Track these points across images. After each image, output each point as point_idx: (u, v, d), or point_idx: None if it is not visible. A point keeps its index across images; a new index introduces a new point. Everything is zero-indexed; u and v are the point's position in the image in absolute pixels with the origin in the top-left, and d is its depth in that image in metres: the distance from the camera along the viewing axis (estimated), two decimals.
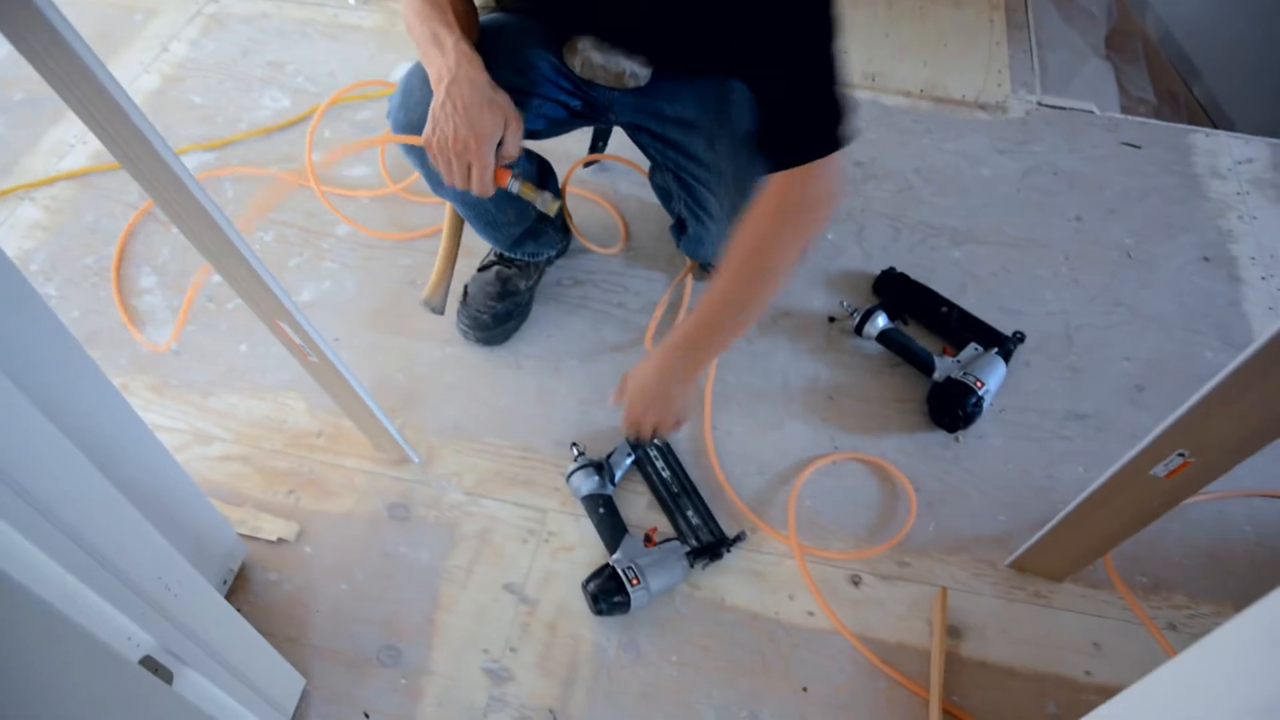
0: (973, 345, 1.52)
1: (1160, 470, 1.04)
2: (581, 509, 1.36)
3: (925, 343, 1.54)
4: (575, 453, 1.38)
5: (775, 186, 1.08)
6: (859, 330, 1.54)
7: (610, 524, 1.31)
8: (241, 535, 1.33)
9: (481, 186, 1.13)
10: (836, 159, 1.07)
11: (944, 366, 1.49)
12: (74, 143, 1.90)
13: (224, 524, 1.27)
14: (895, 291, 1.62)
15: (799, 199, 1.09)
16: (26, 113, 1.95)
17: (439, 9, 1.13)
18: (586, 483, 1.35)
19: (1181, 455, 1.01)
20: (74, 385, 0.96)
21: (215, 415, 1.48)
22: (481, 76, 1.10)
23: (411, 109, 1.21)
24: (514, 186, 1.23)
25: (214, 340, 1.58)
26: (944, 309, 1.58)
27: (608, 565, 1.27)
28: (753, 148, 1.10)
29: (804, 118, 1.07)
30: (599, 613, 1.25)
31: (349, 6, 2.23)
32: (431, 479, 1.41)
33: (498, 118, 1.10)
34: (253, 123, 1.95)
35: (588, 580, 1.27)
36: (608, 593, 1.24)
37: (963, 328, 1.56)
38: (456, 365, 1.55)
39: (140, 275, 1.67)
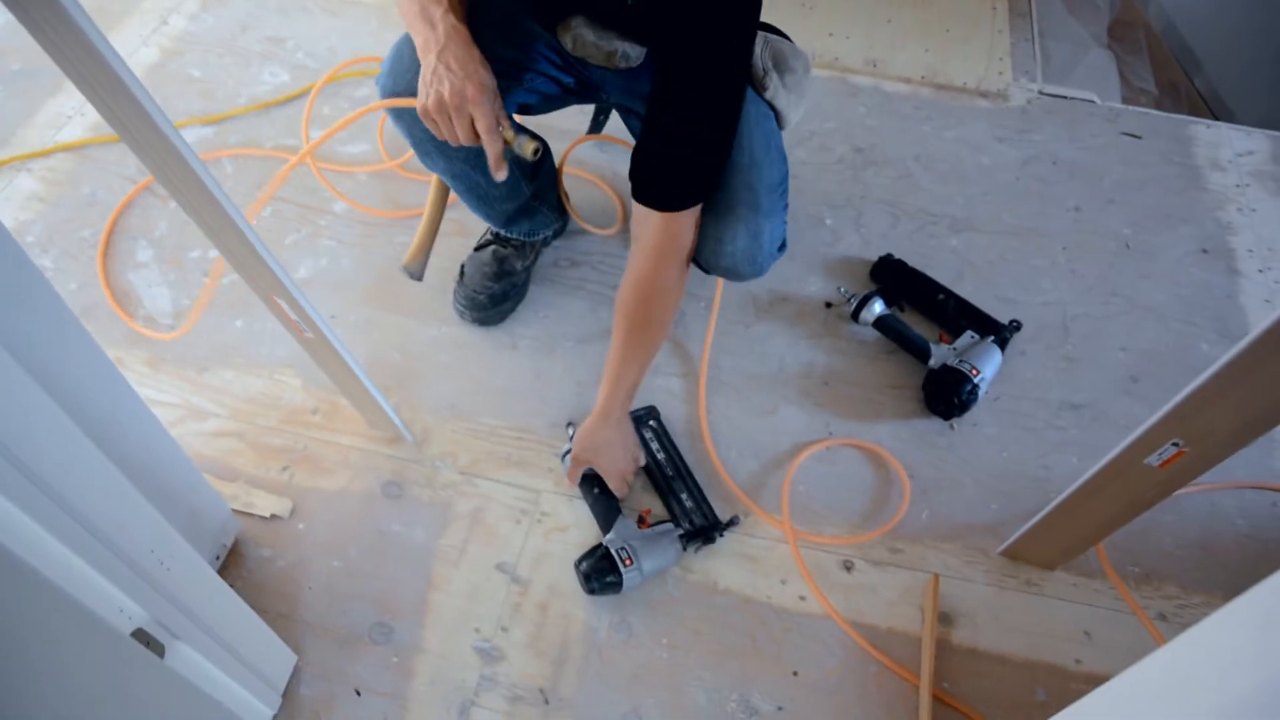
0: (969, 333, 1.52)
1: (1154, 460, 1.05)
2: (576, 490, 1.37)
3: (922, 330, 1.54)
4: (570, 433, 1.38)
5: (656, 230, 1.18)
6: (855, 316, 1.54)
7: (604, 505, 1.32)
8: (235, 511, 1.33)
9: (489, 136, 1.10)
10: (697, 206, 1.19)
11: (940, 354, 1.49)
12: (72, 114, 1.88)
13: (218, 499, 1.27)
14: (892, 278, 1.61)
15: (680, 240, 1.20)
16: (25, 83, 1.94)
17: None
18: None
19: (1176, 445, 1.02)
20: (70, 359, 0.95)
21: (210, 391, 1.48)
22: (473, 50, 1.09)
23: (399, 76, 1.20)
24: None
25: (210, 315, 1.57)
26: (941, 296, 1.58)
27: (601, 545, 1.27)
28: (635, 183, 1.18)
29: (694, 163, 1.15)
30: (591, 592, 1.26)
31: None
32: (426, 458, 1.41)
33: (491, 75, 1.10)
34: (252, 97, 1.93)
35: (580, 559, 1.27)
36: (600, 572, 1.24)
37: (959, 315, 1.56)
38: (452, 345, 1.54)
39: (137, 249, 1.67)
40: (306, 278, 1.62)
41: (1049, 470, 1.44)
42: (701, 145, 1.14)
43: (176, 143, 0.85)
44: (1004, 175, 1.87)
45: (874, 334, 1.56)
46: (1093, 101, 2.05)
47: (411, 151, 1.50)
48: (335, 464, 1.40)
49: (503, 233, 1.53)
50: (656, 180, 1.16)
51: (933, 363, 1.48)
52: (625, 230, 1.71)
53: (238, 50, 2.04)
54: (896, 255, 1.65)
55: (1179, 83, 2.85)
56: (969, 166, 1.88)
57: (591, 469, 1.34)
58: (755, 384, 1.52)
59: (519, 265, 1.54)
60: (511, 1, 1.26)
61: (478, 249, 1.56)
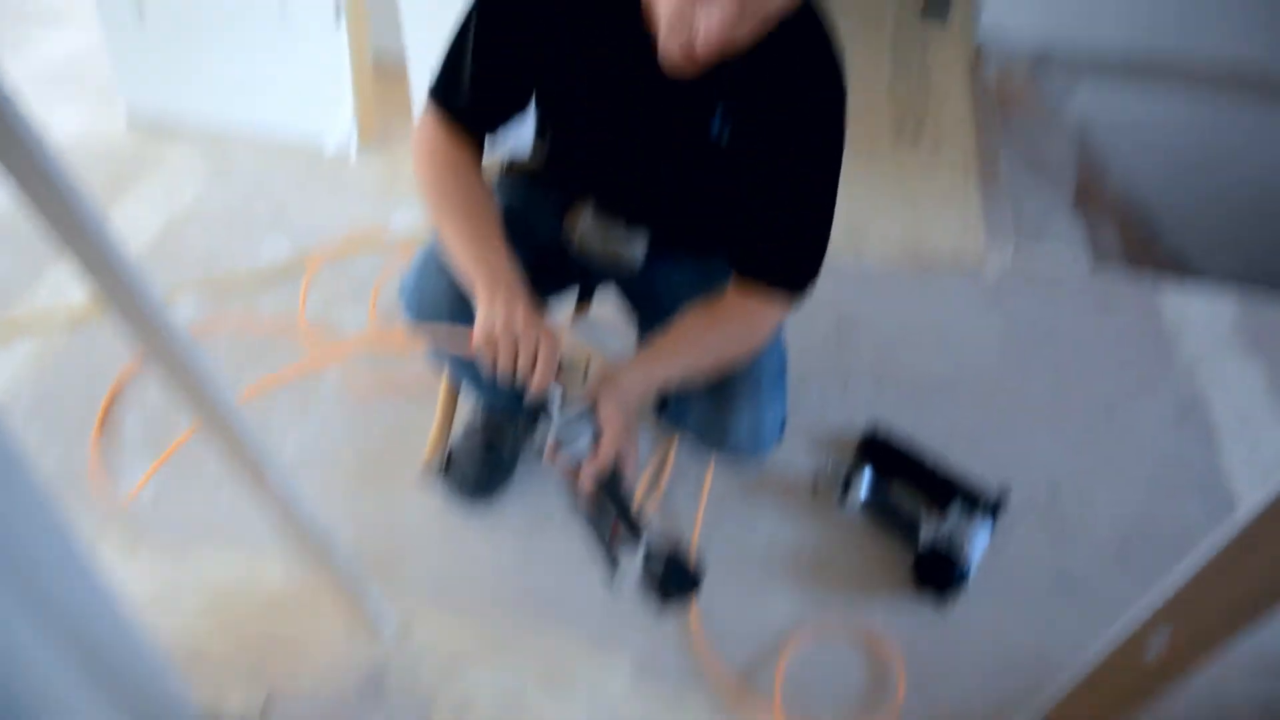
0: (958, 505, 1.52)
1: (1149, 653, 1.03)
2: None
3: (911, 503, 1.55)
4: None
5: (743, 301, 1.19)
6: (844, 491, 1.55)
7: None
8: (203, 711, 1.28)
9: (545, 375, 1.09)
10: (798, 297, 1.20)
11: (930, 529, 1.48)
12: (72, 285, 1.92)
13: (186, 696, 1.23)
14: (879, 450, 1.63)
15: (779, 317, 1.21)
16: (31, 247, 1.97)
17: (484, 228, 1.15)
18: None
19: (1169, 633, 1.00)
20: (39, 542, 0.93)
21: (188, 572, 1.45)
22: (533, 306, 1.10)
23: (425, 289, 1.24)
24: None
25: (194, 492, 1.56)
26: (928, 467, 1.59)
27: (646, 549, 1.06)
28: (734, 258, 1.20)
29: (797, 248, 1.18)
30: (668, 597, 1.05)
31: (352, 156, 2.31)
32: (408, 646, 1.37)
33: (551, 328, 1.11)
34: (253, 268, 1.98)
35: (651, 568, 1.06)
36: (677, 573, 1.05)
37: (947, 487, 1.56)
38: (438, 525, 1.53)
39: (127, 420, 1.67)
40: (294, 452, 1.62)
41: (1046, 648, 1.41)
42: (819, 231, 1.19)
43: (162, 318, 0.84)
44: (984, 342, 1.91)
45: (863, 509, 1.56)
46: (1065, 268, 2.12)
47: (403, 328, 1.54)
48: (313, 653, 1.36)
49: (495, 412, 1.54)
50: (785, 262, 1.18)
51: (923, 539, 1.48)
52: None
53: (240, 222, 2.11)
54: (883, 426, 1.66)
55: (1146, 244, 2.96)
56: (950, 335, 1.92)
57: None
58: (745, 564, 1.50)
59: (509, 444, 1.55)
60: (525, 203, 1.32)
61: (468, 427, 1.57)
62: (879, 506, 1.53)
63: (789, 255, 1.18)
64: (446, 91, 1.19)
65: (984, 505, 1.51)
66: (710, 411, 1.30)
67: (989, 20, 3.11)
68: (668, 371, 1.19)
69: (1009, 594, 1.48)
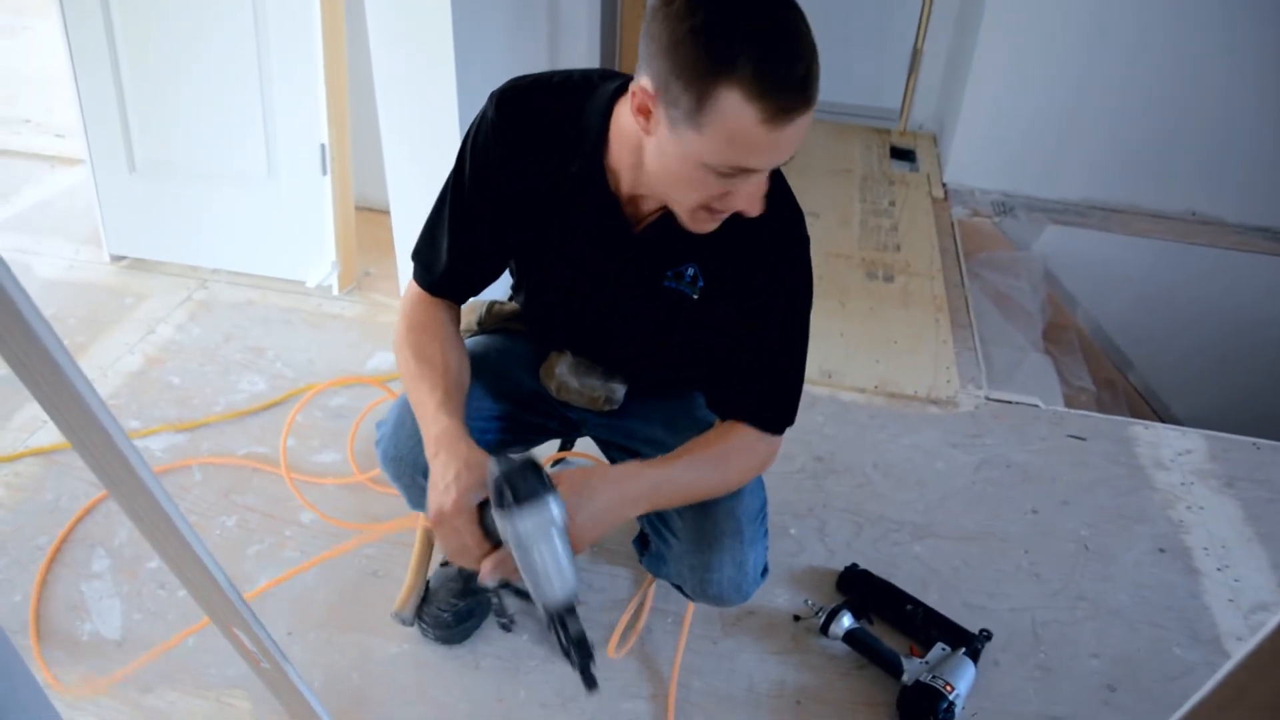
0: (940, 645, 1.50)
1: None
2: None
3: (892, 641, 1.53)
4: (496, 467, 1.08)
5: (765, 450, 1.22)
6: (824, 630, 1.53)
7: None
8: None
9: (463, 560, 1.09)
10: (776, 434, 1.23)
11: (912, 669, 1.46)
12: (46, 420, 1.91)
13: None
14: (859, 589, 1.62)
15: (763, 454, 1.23)
16: (2, 388, 1.98)
17: (442, 386, 1.15)
18: None
19: None
20: None
21: (152, 716, 1.40)
22: (459, 448, 1.08)
23: (401, 442, 1.27)
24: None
25: (161, 630, 1.52)
26: (909, 606, 1.57)
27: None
28: (716, 399, 1.24)
29: (777, 388, 1.21)
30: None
31: (332, 296, 2.36)
32: None
33: (475, 474, 1.06)
34: (228, 405, 1.99)
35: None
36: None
37: (929, 626, 1.55)
38: (412, 664, 1.49)
39: (93, 558, 1.64)
40: (267, 591, 1.59)
41: None
42: (796, 373, 1.22)
43: (130, 458, 0.83)
44: (959, 480, 1.93)
45: (844, 648, 1.53)
46: (1037, 405, 2.17)
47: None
48: None
49: None
50: (764, 404, 1.21)
51: (905, 678, 1.45)
52: (595, 547, 1.71)
53: (218, 359, 2.13)
54: (861, 564, 1.66)
55: (1115, 380, 3.04)
56: (925, 472, 1.94)
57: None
58: (726, 706, 1.46)
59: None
60: (499, 353, 1.36)
61: (444, 564, 1.55)
62: (861, 643, 1.51)
63: (769, 395, 1.20)
64: (424, 265, 1.24)
65: (966, 644, 1.50)
66: (691, 557, 1.29)
67: (954, 165, 3.28)
68: (639, 487, 1.13)
69: None
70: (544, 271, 1.29)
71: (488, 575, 1.06)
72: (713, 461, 1.19)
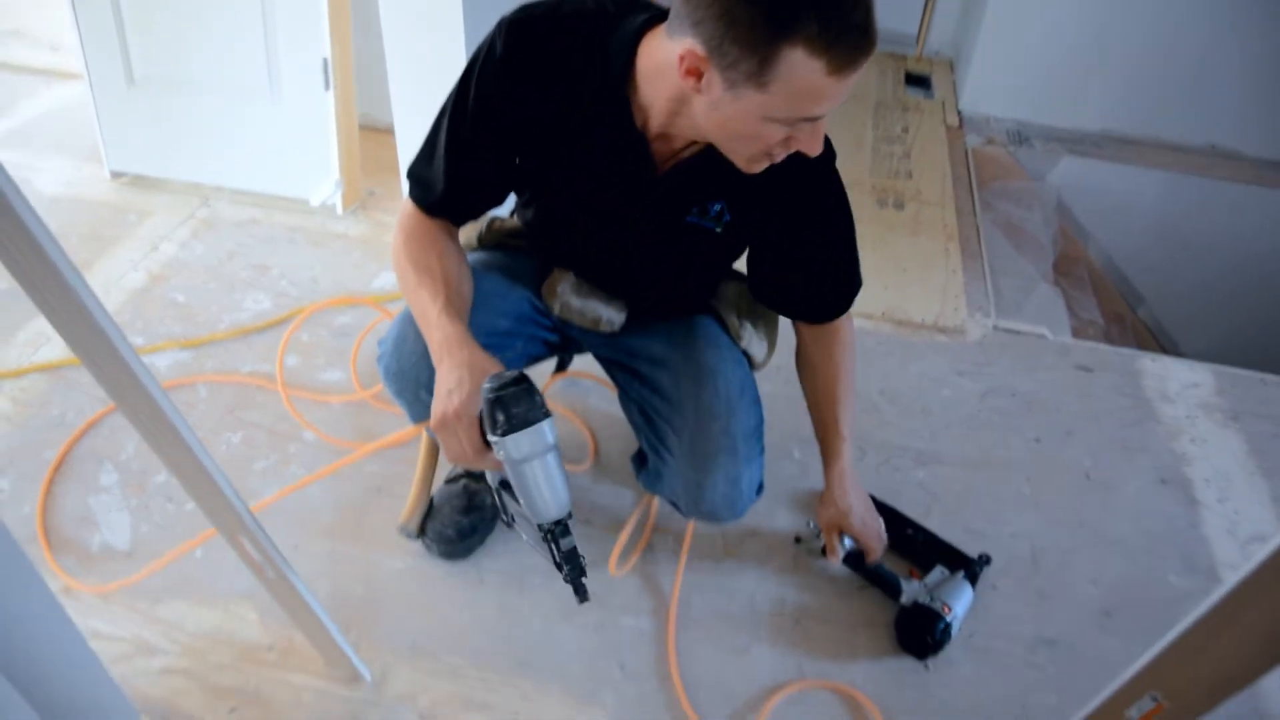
0: (939, 568, 1.51)
1: (1133, 715, 1.02)
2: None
3: (892, 565, 1.54)
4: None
5: (831, 331, 1.34)
6: (825, 552, 1.54)
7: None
8: None
9: (476, 460, 1.09)
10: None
11: (911, 590, 1.48)
12: (51, 335, 1.91)
13: None
14: None
15: (849, 334, 1.36)
16: (7, 301, 1.97)
17: (444, 292, 1.14)
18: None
19: (1154, 699, 1.00)
20: (3, 596, 0.91)
21: (162, 624, 1.42)
22: (461, 353, 1.08)
23: (404, 357, 1.26)
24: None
25: (169, 542, 1.53)
26: (910, 530, 1.58)
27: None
28: (791, 306, 1.33)
29: (846, 277, 1.30)
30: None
31: (336, 215, 2.33)
32: (384, 699, 1.35)
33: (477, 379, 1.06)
34: (233, 323, 1.98)
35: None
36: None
37: (929, 550, 1.56)
38: (417, 578, 1.51)
39: (101, 472, 1.65)
40: (272, 506, 1.60)
41: (1028, 712, 1.39)
42: (855, 260, 1.31)
43: (141, 375, 0.84)
44: (965, 408, 1.92)
45: (844, 570, 1.55)
46: (1045, 336, 2.15)
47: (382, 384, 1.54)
48: (288, 706, 1.33)
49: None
50: (827, 293, 1.31)
51: (904, 600, 1.47)
52: (597, 465, 1.72)
53: (223, 277, 2.11)
54: (865, 489, 1.66)
55: (1123, 314, 3.01)
56: (931, 400, 1.94)
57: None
58: (726, 622, 1.48)
59: (489, 499, 1.54)
60: (501, 269, 1.34)
61: (448, 481, 1.56)
62: (860, 565, 1.52)
63: (844, 287, 1.30)
64: (422, 184, 1.21)
65: (965, 567, 1.51)
66: (687, 473, 1.30)
67: (971, 92, 3.21)
68: (849, 456, 1.40)
69: (991, 656, 1.47)
70: (550, 198, 1.26)
71: (487, 472, 1.12)
72: (848, 367, 1.36)
